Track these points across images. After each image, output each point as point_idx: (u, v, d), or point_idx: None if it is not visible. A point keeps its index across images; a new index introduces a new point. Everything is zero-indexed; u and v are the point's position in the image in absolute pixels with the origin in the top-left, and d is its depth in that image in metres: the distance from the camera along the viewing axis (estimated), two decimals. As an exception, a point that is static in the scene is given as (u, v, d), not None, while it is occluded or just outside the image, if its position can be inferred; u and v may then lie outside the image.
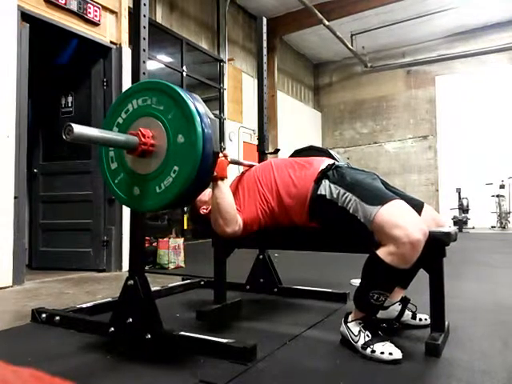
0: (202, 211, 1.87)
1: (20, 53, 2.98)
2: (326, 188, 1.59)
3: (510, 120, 8.94)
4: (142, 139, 1.31)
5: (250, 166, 1.97)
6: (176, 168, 1.27)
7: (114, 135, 1.34)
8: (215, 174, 1.58)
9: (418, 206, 1.63)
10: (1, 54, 2.84)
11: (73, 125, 1.13)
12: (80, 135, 1.16)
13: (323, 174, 1.63)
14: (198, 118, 1.26)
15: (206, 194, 1.83)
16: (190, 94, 1.33)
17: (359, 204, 1.48)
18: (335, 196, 1.55)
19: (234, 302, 2.20)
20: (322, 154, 2.30)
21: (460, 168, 9.27)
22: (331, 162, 1.73)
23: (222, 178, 1.66)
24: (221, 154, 1.63)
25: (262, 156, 2.69)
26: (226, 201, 1.63)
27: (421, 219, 1.47)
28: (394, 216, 1.40)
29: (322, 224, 1.66)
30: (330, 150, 2.33)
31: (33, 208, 3.80)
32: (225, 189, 1.65)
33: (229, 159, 1.75)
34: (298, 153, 2.46)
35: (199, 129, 1.25)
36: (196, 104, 1.29)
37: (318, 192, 1.60)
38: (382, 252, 1.40)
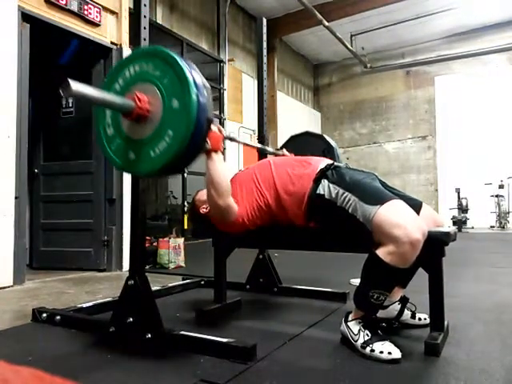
0: (202, 210, 1.87)
1: (21, 53, 2.98)
2: (324, 188, 1.59)
3: (509, 120, 8.94)
4: (138, 103, 1.32)
5: (246, 144, 1.98)
6: (170, 132, 1.29)
7: (110, 96, 1.36)
8: (209, 146, 1.58)
9: (416, 206, 1.64)
10: (1, 55, 2.85)
11: (70, 81, 1.15)
12: (77, 92, 1.17)
13: (322, 174, 1.64)
14: (192, 84, 1.27)
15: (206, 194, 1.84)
16: (186, 61, 1.34)
17: (358, 204, 1.49)
18: (334, 196, 1.56)
19: (234, 302, 2.20)
20: (317, 140, 2.33)
21: (459, 168, 9.27)
22: (330, 161, 1.74)
23: (216, 151, 1.64)
24: (215, 128, 1.62)
25: (262, 155, 2.69)
26: (219, 172, 1.62)
27: (420, 219, 1.48)
28: (393, 216, 1.41)
29: (321, 224, 1.66)
30: (325, 136, 2.37)
31: (33, 208, 3.81)
32: (218, 161, 1.63)
33: (224, 134, 1.73)
34: (294, 138, 2.50)
35: (194, 94, 1.26)
36: (192, 71, 1.30)
37: (317, 191, 1.60)
38: (381, 252, 1.41)
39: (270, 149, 2.48)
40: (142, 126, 1.35)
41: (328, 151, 2.34)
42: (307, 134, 2.54)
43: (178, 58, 1.31)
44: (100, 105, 1.41)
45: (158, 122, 1.32)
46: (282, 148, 2.44)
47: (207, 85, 1.34)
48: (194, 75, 1.30)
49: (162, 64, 1.33)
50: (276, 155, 2.42)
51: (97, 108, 1.51)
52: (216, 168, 1.62)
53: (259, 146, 2.51)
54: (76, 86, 1.16)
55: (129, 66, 1.41)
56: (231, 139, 1.99)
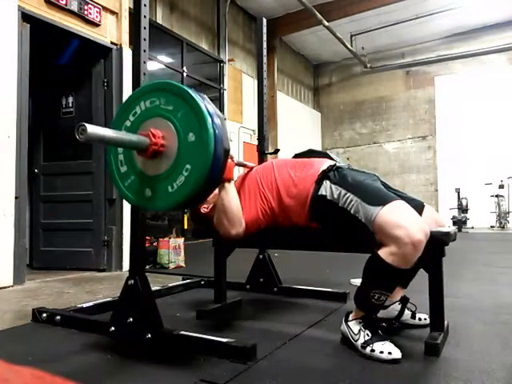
0: (203, 210, 1.87)
1: (21, 53, 2.98)
2: (326, 189, 1.59)
3: (509, 120, 8.95)
4: (153, 139, 1.31)
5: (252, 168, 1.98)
6: (188, 166, 1.27)
7: (126, 135, 1.34)
8: (223, 176, 1.57)
9: (418, 207, 1.64)
10: (1, 55, 2.85)
11: (86, 124, 1.14)
12: (93, 135, 1.17)
13: (324, 175, 1.64)
14: (208, 116, 1.26)
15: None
16: (198, 93, 1.33)
17: (360, 204, 1.49)
18: (336, 196, 1.56)
19: (234, 302, 2.20)
20: (321, 156, 2.31)
21: (459, 168, 9.28)
22: (332, 162, 1.74)
23: (229, 180, 1.66)
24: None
25: (262, 156, 2.70)
26: (233, 203, 1.64)
27: (422, 219, 1.48)
28: (395, 216, 1.41)
29: (323, 224, 1.66)
30: (330, 153, 2.34)
31: (34, 208, 3.81)
32: (231, 190, 1.65)
33: (235, 161, 1.75)
34: (297, 156, 2.46)
35: (210, 127, 1.25)
36: (206, 103, 1.30)
37: (319, 192, 1.61)
38: (383, 252, 1.41)
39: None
40: (158, 161, 1.33)
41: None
42: (311, 152, 2.51)
43: (191, 91, 1.30)
44: (116, 145, 1.39)
45: (174, 157, 1.30)
46: None
47: (221, 114, 1.33)
48: (208, 107, 1.29)
49: (174, 98, 1.32)
50: None
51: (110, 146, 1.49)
52: (230, 199, 1.63)
53: None
54: (91, 129, 1.15)
55: (139, 101, 1.40)
56: (241, 165, 1.99)
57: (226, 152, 1.31)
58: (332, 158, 2.17)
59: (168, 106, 1.33)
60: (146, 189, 1.37)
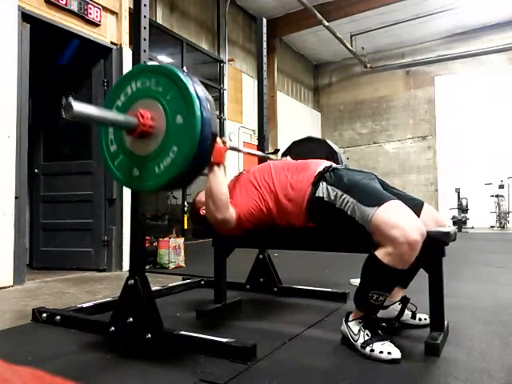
0: (202, 212, 1.88)
1: (21, 53, 2.98)
2: (323, 190, 1.60)
3: (509, 120, 8.95)
4: (141, 120, 1.32)
5: (249, 154, 1.99)
6: (175, 148, 1.28)
7: (113, 115, 1.35)
8: (212, 159, 1.58)
9: (417, 206, 1.64)
10: (1, 55, 2.85)
11: (73, 102, 1.14)
12: (79, 113, 1.17)
13: (320, 177, 1.64)
14: (196, 99, 1.26)
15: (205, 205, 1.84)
16: (189, 76, 1.33)
17: (356, 205, 1.49)
18: (333, 198, 1.56)
19: (234, 302, 2.21)
20: (320, 145, 2.32)
21: (459, 168, 9.28)
22: (328, 164, 1.74)
23: (219, 164, 1.65)
24: (219, 140, 1.63)
25: (263, 159, 2.69)
26: (220, 186, 1.63)
27: (418, 219, 1.48)
28: (390, 216, 1.41)
29: (321, 225, 1.67)
30: (328, 140, 2.36)
31: (34, 208, 3.81)
32: (220, 175, 1.65)
33: (227, 146, 1.73)
34: (296, 144, 2.48)
35: (198, 111, 1.25)
36: (195, 86, 1.30)
37: (316, 194, 1.61)
38: (380, 253, 1.41)
39: (272, 157, 2.48)
40: (146, 142, 1.35)
41: (331, 156, 2.31)
42: (309, 140, 2.50)
43: (181, 74, 1.31)
44: (103, 124, 1.40)
45: (162, 138, 1.31)
46: (285, 155, 2.41)
47: (210, 98, 1.33)
48: (198, 90, 1.29)
49: (165, 80, 1.32)
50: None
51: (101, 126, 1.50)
52: (217, 181, 1.63)
53: (261, 154, 2.52)
54: (78, 107, 1.15)
55: (130, 82, 1.41)
56: (235, 149, 1.99)
57: (214, 136, 1.31)
58: (330, 145, 2.19)
59: (158, 88, 1.34)
60: (134, 168, 1.38)
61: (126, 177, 1.41)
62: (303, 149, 2.40)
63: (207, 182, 1.65)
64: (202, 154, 1.29)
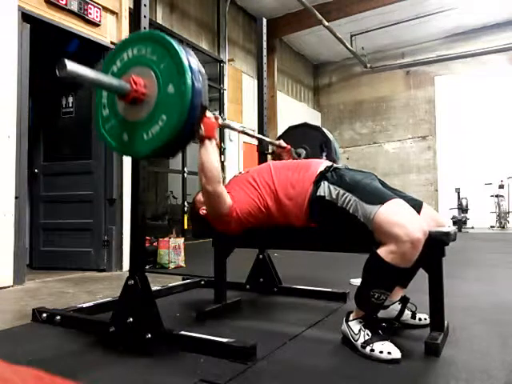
0: (202, 212, 1.88)
1: (21, 53, 2.98)
2: (325, 189, 1.60)
3: (509, 120, 8.94)
4: (134, 86, 1.34)
5: (241, 132, 2.02)
6: (164, 117, 1.30)
7: (106, 78, 1.37)
8: (203, 132, 1.61)
9: (417, 206, 1.64)
10: (1, 55, 2.85)
11: (66, 61, 1.15)
12: (72, 72, 1.18)
13: (322, 176, 1.65)
14: (188, 70, 1.28)
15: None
16: (184, 47, 1.35)
17: (359, 204, 1.49)
18: (334, 197, 1.57)
19: (234, 302, 2.20)
20: (315, 132, 2.38)
21: (459, 168, 9.27)
22: (329, 163, 1.75)
23: (210, 138, 1.66)
24: (210, 115, 1.66)
25: (262, 156, 2.70)
26: (210, 160, 1.65)
27: (421, 218, 1.48)
28: (393, 215, 1.41)
29: (322, 225, 1.67)
30: (323, 128, 2.41)
31: (34, 208, 3.81)
32: (211, 149, 1.66)
33: (220, 122, 1.75)
34: (292, 129, 2.54)
35: (189, 79, 1.27)
36: (189, 57, 1.32)
37: (318, 193, 1.61)
38: (382, 251, 1.41)
39: (266, 138, 2.49)
40: (137, 108, 1.37)
41: (326, 144, 2.36)
42: (305, 126, 2.57)
43: (175, 43, 1.33)
44: (96, 86, 1.43)
45: (152, 106, 1.34)
46: (279, 139, 2.46)
47: (203, 71, 1.35)
48: (191, 60, 1.31)
49: (160, 49, 1.34)
50: (273, 145, 2.44)
51: (96, 89, 1.54)
52: (208, 155, 1.65)
53: (258, 136, 2.53)
54: (71, 66, 1.17)
55: (127, 48, 1.43)
56: (228, 127, 2.00)
57: (204, 108, 1.33)
58: (325, 133, 2.23)
59: (153, 56, 1.36)
60: (124, 134, 1.41)
61: (115, 141, 1.44)
62: (299, 134, 2.48)
63: (198, 156, 1.67)
64: (190, 124, 1.31)
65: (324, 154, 2.37)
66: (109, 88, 1.38)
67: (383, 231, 1.41)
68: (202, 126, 1.58)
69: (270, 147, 2.63)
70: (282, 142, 2.42)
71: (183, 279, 2.95)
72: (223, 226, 1.77)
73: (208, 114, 1.60)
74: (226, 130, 7.32)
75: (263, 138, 2.50)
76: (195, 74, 1.29)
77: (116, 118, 1.44)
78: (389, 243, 1.40)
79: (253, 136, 2.48)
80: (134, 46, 1.41)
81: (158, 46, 1.35)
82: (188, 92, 1.26)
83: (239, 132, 2.11)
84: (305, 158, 2.43)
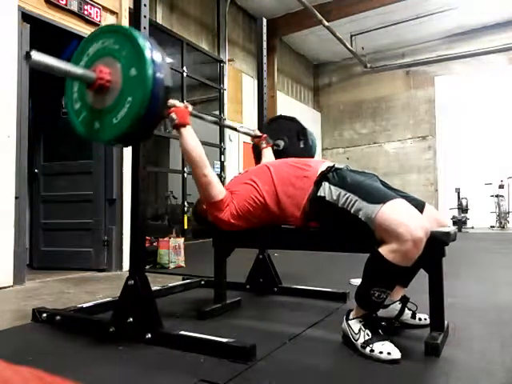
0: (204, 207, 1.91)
1: (21, 53, 2.98)
2: (325, 190, 1.60)
3: (509, 120, 8.94)
4: (99, 74, 1.41)
5: (213, 122, 2.12)
6: (130, 99, 1.36)
7: (72, 67, 1.44)
8: (176, 121, 1.70)
9: (419, 206, 1.63)
10: (1, 55, 2.85)
11: (32, 51, 1.23)
12: (38, 62, 1.25)
13: (323, 177, 1.65)
14: (148, 52, 1.35)
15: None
16: (144, 35, 1.44)
17: (361, 203, 1.49)
18: (335, 198, 1.57)
19: (234, 302, 2.20)
20: (291, 122, 2.56)
21: (459, 168, 9.27)
22: (330, 164, 1.75)
23: (184, 125, 1.74)
24: (180, 104, 1.75)
25: (258, 157, 2.70)
26: (191, 145, 1.74)
27: (423, 217, 1.48)
28: (395, 214, 1.41)
29: (322, 225, 1.67)
30: (298, 119, 2.53)
31: (34, 208, 3.81)
32: (187, 134, 1.74)
33: (190, 109, 1.81)
34: (271, 121, 2.70)
35: (149, 62, 1.34)
36: (145, 38, 1.40)
37: (318, 194, 1.61)
38: (384, 250, 1.41)
39: (242, 129, 2.58)
40: (105, 96, 1.44)
41: (302, 133, 2.45)
42: (282, 118, 2.72)
43: (133, 31, 1.44)
44: (62, 75, 1.47)
45: (118, 91, 1.40)
46: (261, 130, 2.58)
47: (162, 51, 1.42)
48: (149, 41, 1.40)
49: (121, 38, 1.44)
50: (249, 135, 2.55)
51: (66, 85, 1.61)
52: (187, 141, 1.73)
53: (231, 125, 2.65)
54: (37, 56, 1.23)
55: (92, 43, 1.52)
56: (198, 117, 2.07)
57: (167, 88, 1.39)
58: (300, 123, 2.34)
59: (115, 46, 1.44)
60: (95, 122, 1.48)
61: (87, 130, 1.52)
62: (277, 126, 2.61)
63: (180, 145, 1.75)
64: (155, 104, 1.36)
65: (302, 142, 2.45)
66: (75, 77, 1.46)
67: (385, 230, 1.41)
68: (174, 115, 1.69)
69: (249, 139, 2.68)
70: (257, 131, 2.51)
71: (183, 279, 2.95)
72: (217, 213, 1.78)
73: (178, 103, 1.72)
74: (226, 130, 7.31)
75: (238, 128, 2.57)
76: (153, 55, 1.36)
77: (86, 108, 1.52)
78: (390, 242, 1.40)
79: (225, 126, 2.56)
80: (98, 39, 1.50)
81: (119, 36, 1.44)
82: (149, 73, 1.32)
83: (210, 122, 2.21)
84: (284, 149, 2.50)
